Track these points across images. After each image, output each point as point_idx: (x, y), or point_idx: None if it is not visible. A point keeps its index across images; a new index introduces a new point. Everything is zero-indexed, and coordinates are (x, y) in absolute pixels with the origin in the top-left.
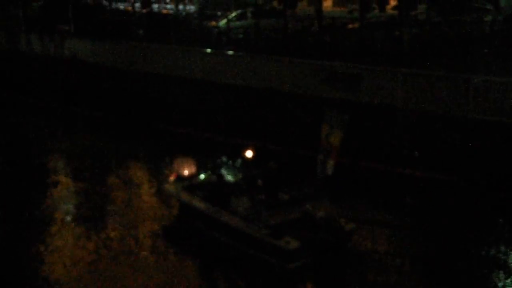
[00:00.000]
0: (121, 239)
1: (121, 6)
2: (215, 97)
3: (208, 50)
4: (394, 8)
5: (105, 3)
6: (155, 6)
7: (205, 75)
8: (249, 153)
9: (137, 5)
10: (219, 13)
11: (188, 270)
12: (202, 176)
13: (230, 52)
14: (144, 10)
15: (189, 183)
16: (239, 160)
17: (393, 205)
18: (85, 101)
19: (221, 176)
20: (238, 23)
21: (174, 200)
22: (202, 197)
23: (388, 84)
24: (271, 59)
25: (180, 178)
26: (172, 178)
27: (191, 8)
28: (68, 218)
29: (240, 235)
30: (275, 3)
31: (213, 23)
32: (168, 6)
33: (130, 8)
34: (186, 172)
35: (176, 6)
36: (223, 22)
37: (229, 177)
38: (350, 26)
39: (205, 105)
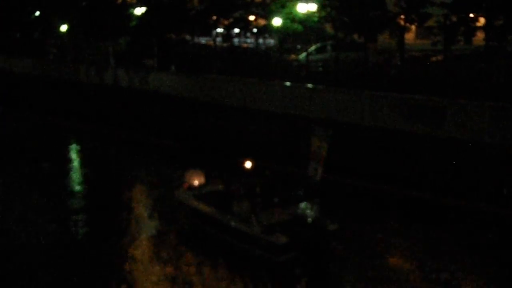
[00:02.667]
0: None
1: (203, 40)
2: (294, 130)
3: (288, 83)
4: (484, 39)
5: (188, 38)
6: (236, 40)
7: (284, 108)
8: (248, 164)
9: (219, 39)
10: (298, 47)
11: (195, 266)
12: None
13: (310, 85)
14: (225, 44)
15: (198, 192)
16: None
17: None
18: (166, 133)
19: (224, 184)
20: (317, 56)
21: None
22: (208, 203)
23: (475, 118)
24: (351, 93)
25: (190, 187)
26: (184, 187)
27: (271, 42)
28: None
29: (239, 234)
30: (355, 36)
31: (293, 56)
32: (248, 40)
33: (211, 42)
34: (196, 182)
35: (256, 40)
36: (302, 55)
37: (232, 185)
38: (434, 58)
39: (284, 139)
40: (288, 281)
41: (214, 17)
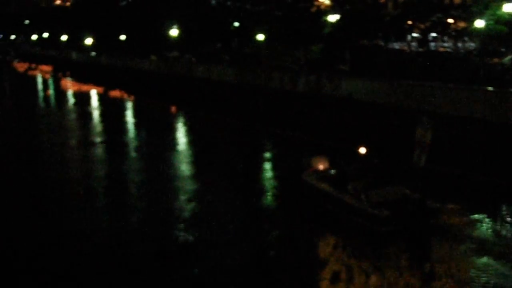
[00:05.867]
0: None
1: (397, 45)
2: (496, 139)
3: (490, 88)
4: None
5: (381, 43)
6: (432, 45)
7: (487, 114)
8: (362, 150)
9: (413, 44)
10: (503, 49)
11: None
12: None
13: None
14: (420, 49)
15: (322, 174)
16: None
17: None
18: (358, 139)
19: (342, 168)
20: None
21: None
22: (328, 183)
23: None
24: None
25: (315, 171)
26: (310, 171)
27: (471, 45)
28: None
29: (351, 208)
30: None
31: (496, 59)
32: (445, 44)
33: (405, 47)
34: (321, 167)
35: (455, 43)
36: (507, 58)
37: (349, 169)
38: None
39: (483, 147)
40: (388, 249)
41: (409, 22)
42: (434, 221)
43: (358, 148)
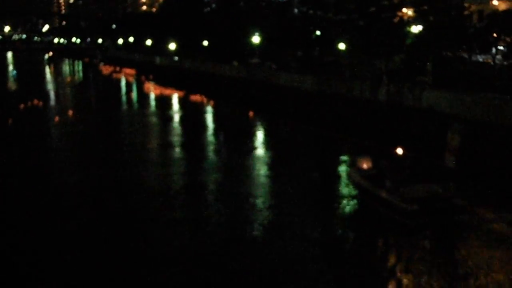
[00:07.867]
0: None
1: (481, 58)
2: None
3: None
4: None
5: (465, 55)
6: None
7: None
8: (399, 150)
9: (498, 57)
10: None
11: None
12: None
13: None
14: (505, 62)
15: (365, 173)
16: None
17: None
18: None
19: (381, 167)
20: None
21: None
22: (369, 180)
23: None
24: None
25: (359, 169)
26: (354, 169)
27: None
28: None
29: (386, 203)
30: None
31: None
32: None
33: (489, 60)
34: (364, 166)
35: None
36: None
37: (387, 167)
38: None
39: None
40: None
41: (495, 34)
42: (459, 217)
43: (396, 149)
